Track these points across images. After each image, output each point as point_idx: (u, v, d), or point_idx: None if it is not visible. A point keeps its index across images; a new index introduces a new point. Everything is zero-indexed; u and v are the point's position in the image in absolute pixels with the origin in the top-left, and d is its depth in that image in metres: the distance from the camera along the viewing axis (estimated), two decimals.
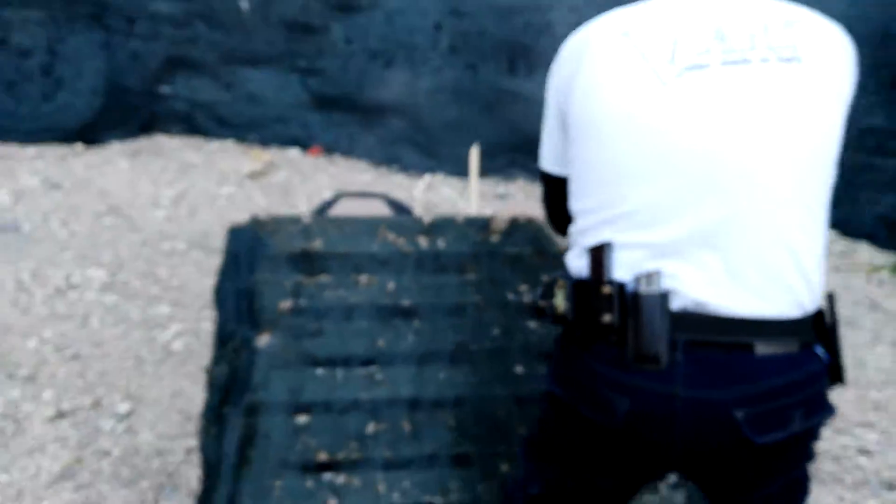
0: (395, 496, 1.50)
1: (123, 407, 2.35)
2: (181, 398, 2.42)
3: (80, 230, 3.41)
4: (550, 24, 4.15)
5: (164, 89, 4.37)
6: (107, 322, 2.78)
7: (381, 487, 1.51)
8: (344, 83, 4.36)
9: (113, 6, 4.18)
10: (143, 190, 3.81)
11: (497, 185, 4.25)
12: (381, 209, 2.61)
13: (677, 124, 0.98)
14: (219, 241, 3.30)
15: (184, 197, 3.79)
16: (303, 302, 1.60)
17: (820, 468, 2.22)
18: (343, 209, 2.58)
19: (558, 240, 1.70)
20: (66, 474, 2.08)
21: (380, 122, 4.44)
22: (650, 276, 0.97)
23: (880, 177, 3.75)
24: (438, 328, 1.62)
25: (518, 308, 1.65)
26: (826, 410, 1.02)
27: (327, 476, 1.50)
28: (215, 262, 3.08)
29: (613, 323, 0.98)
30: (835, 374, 1.04)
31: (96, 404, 2.36)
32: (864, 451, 2.31)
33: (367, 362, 1.58)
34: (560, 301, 1.05)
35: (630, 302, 0.97)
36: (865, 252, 3.69)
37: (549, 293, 1.07)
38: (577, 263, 1.08)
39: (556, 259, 1.69)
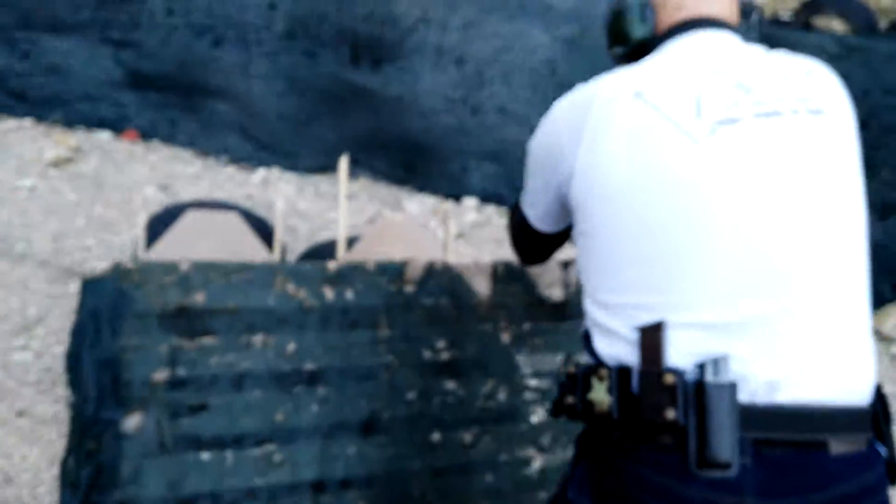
0: None
1: None
2: None
3: None
4: (395, 17, 3.96)
5: None
6: None
7: None
8: (164, 60, 3.88)
9: None
10: None
11: (337, 185, 4.00)
12: (236, 225, 2.30)
13: (718, 185, 0.88)
14: (21, 245, 2.76)
15: None
16: (182, 371, 1.31)
17: None
18: (189, 227, 2.23)
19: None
20: None
21: (205, 106, 4.01)
22: (717, 362, 0.83)
23: None
24: (347, 395, 1.41)
25: (435, 367, 1.48)
26: None
27: None
28: (21, 273, 2.56)
29: (678, 420, 0.83)
30: (893, 472, 0.95)
31: None
32: None
33: (263, 441, 1.36)
34: (601, 395, 0.88)
35: (692, 394, 0.83)
36: None
37: (577, 385, 0.91)
38: (617, 349, 0.91)
39: (472, 311, 1.54)
